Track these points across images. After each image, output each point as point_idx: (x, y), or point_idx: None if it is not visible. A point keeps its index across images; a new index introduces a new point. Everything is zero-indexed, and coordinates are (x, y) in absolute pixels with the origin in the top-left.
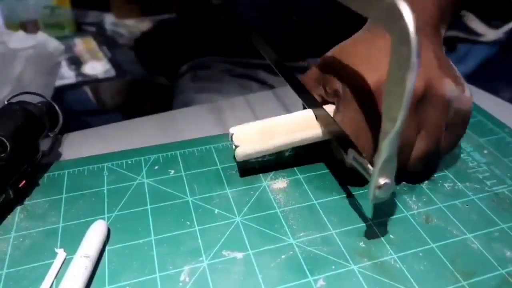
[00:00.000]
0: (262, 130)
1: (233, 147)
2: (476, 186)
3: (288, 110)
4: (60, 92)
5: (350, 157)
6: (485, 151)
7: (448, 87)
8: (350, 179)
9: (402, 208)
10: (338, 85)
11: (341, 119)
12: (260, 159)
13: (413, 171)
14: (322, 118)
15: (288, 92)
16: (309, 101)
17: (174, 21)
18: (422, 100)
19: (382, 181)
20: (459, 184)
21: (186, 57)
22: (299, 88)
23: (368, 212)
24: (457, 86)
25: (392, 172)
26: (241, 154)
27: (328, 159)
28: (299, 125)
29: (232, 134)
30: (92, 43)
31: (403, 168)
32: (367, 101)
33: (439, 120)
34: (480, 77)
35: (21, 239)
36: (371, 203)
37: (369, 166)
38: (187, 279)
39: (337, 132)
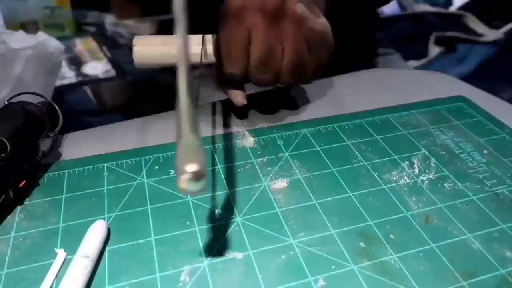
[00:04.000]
0: (162, 41)
1: (133, 48)
2: (476, 186)
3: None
4: (60, 92)
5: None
6: (485, 151)
7: (300, 7)
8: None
9: (402, 208)
10: None
11: (214, 39)
12: (260, 159)
13: (286, 84)
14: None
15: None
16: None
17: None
18: (278, 14)
19: (190, 168)
20: (459, 184)
21: None
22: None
23: (368, 212)
24: (310, 11)
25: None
26: (137, 53)
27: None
28: (194, 44)
29: (136, 37)
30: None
31: (277, 82)
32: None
33: (296, 33)
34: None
35: (21, 239)
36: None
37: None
38: (187, 279)
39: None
